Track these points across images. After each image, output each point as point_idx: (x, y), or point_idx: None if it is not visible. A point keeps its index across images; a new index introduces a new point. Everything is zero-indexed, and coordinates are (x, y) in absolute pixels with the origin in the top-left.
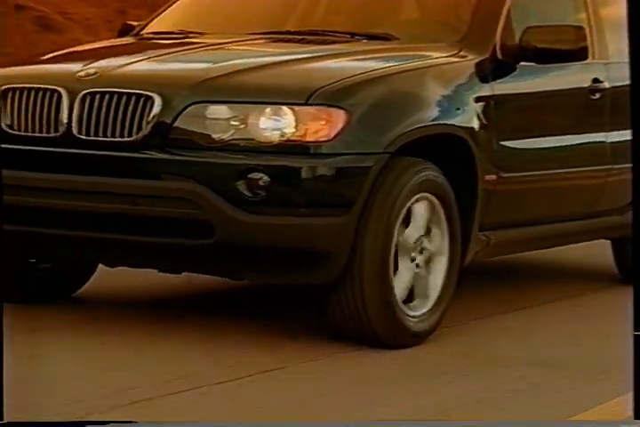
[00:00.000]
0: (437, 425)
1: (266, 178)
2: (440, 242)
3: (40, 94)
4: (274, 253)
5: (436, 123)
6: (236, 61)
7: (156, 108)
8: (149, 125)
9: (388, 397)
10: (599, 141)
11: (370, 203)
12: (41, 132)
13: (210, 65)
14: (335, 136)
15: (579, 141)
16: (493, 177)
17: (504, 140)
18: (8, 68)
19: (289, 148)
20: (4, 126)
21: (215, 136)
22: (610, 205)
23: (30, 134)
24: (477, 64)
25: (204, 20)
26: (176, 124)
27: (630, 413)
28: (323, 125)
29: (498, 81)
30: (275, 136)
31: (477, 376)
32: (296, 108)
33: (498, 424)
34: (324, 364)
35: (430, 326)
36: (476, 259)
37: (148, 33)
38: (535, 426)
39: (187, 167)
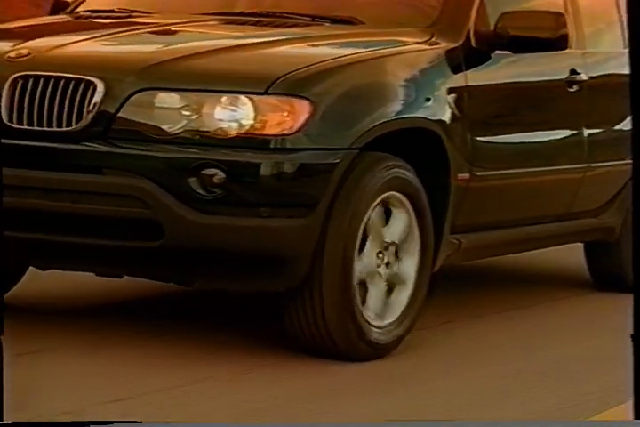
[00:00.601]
0: (437, 425)
1: (221, 174)
2: (409, 247)
3: None
4: (228, 257)
5: (406, 116)
6: (187, 44)
7: (98, 96)
8: (90, 114)
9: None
10: (576, 138)
11: (335, 203)
12: None
13: (158, 48)
14: (298, 129)
15: (555, 137)
16: (466, 175)
17: (478, 134)
18: None
19: (247, 141)
20: None
21: (165, 127)
22: (585, 207)
23: None
24: (450, 52)
25: None
26: (120, 113)
27: (630, 413)
28: (284, 117)
29: (471, 70)
30: (231, 128)
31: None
32: (255, 97)
33: (498, 424)
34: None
35: (396, 337)
36: (446, 263)
37: (85, 11)
38: (535, 426)
39: (133, 161)
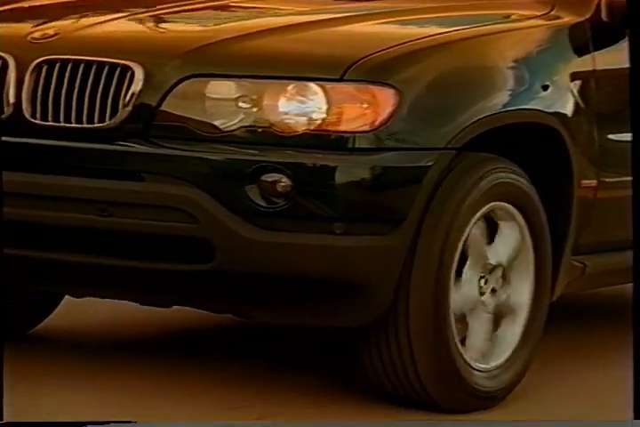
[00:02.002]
0: (437, 425)
1: (285, 181)
2: (521, 270)
3: None
4: (293, 283)
5: (517, 108)
6: (242, 22)
7: (137, 85)
8: (127, 107)
9: None
10: None
11: (426, 217)
12: None
13: (208, 26)
14: (381, 124)
15: None
16: (593, 182)
17: (608, 131)
18: None
19: (318, 140)
20: None
21: (217, 123)
22: None
23: None
24: (574, 28)
25: None
26: (163, 105)
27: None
28: (364, 110)
29: (601, 51)
30: (299, 124)
31: None
32: (328, 85)
33: (498, 424)
34: None
35: (506, 383)
36: (566, 292)
37: None
38: (536, 426)
39: (177, 165)
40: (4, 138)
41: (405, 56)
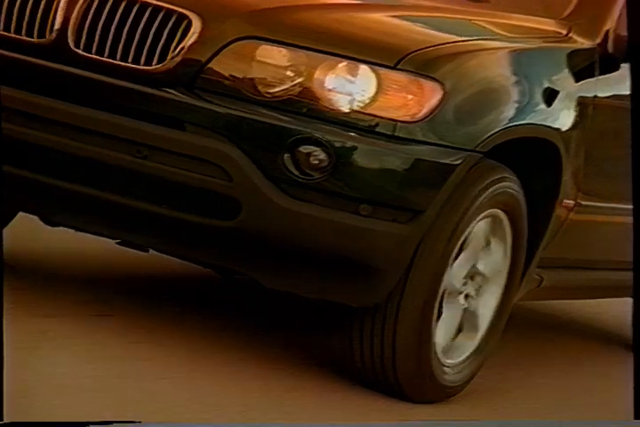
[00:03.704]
0: (437, 425)
1: (321, 155)
2: (497, 273)
3: None
4: (310, 254)
5: (537, 122)
6: None
7: (193, 36)
8: (178, 56)
9: None
10: None
11: (440, 214)
12: (19, 32)
13: None
14: (423, 117)
15: None
16: (571, 202)
17: (595, 157)
18: None
19: (361, 121)
20: None
21: (264, 87)
22: None
23: (1, 32)
24: (586, 52)
25: None
26: (214, 60)
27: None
28: (408, 100)
29: (604, 76)
30: (344, 102)
31: None
32: (381, 70)
33: (498, 424)
34: None
35: (467, 377)
36: (519, 301)
37: None
38: (535, 426)
39: (220, 120)
40: (41, 61)
41: (456, 55)
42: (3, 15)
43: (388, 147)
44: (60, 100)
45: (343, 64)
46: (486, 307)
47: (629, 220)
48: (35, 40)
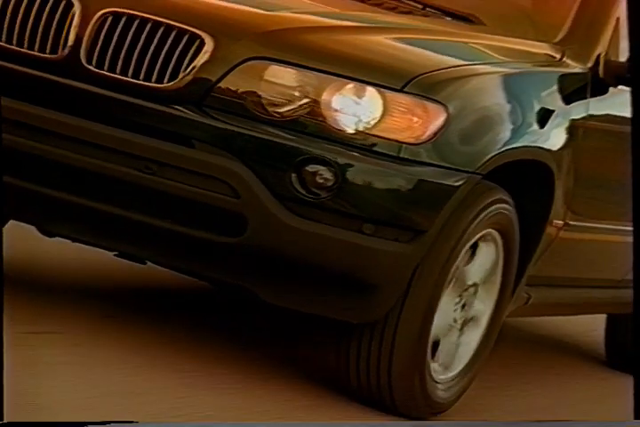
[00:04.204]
0: (437, 425)
1: (327, 174)
2: (488, 288)
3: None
4: (313, 271)
5: (536, 145)
6: (310, 16)
7: (205, 54)
8: (190, 74)
9: None
10: None
11: (440, 234)
12: (31, 48)
13: (280, 10)
14: (427, 139)
15: None
16: (560, 222)
17: (582, 177)
18: None
19: (366, 142)
20: None
21: (273, 107)
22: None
23: (13, 47)
24: (579, 76)
25: None
26: (225, 79)
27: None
28: (414, 122)
29: (595, 99)
30: (350, 123)
31: None
32: (388, 93)
33: (498, 424)
34: None
35: (456, 394)
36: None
37: None
38: (535, 426)
39: (228, 138)
40: (53, 77)
41: (460, 79)
42: (16, 30)
43: (393, 167)
44: (71, 114)
45: (350, 86)
46: (482, 313)
47: (614, 238)
48: (47, 56)
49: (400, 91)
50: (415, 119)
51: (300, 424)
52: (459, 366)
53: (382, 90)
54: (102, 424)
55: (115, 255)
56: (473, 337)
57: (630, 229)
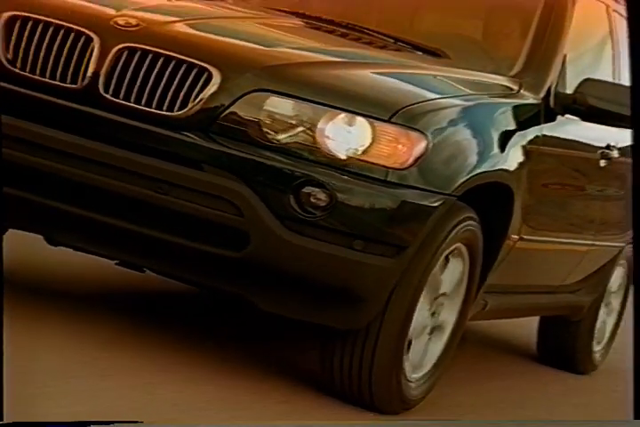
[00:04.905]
0: (437, 425)
1: (321, 196)
2: (455, 296)
3: (62, 33)
4: (308, 282)
5: (499, 168)
6: (303, 52)
7: (213, 86)
8: (198, 104)
9: None
10: (594, 213)
11: (419, 249)
12: (53, 78)
13: (278, 46)
14: (410, 165)
15: (583, 209)
16: (517, 236)
17: (534, 195)
18: None
19: (357, 167)
20: (3, 60)
21: (273, 134)
22: (572, 282)
23: (37, 77)
24: (534, 106)
25: None
26: (230, 109)
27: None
28: (398, 149)
29: (544, 129)
30: (342, 149)
31: None
32: (376, 123)
33: (498, 424)
34: None
35: (425, 392)
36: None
37: None
38: (535, 426)
39: (233, 163)
40: (75, 105)
41: (438, 111)
42: (39, 62)
43: (380, 190)
44: (90, 139)
45: (342, 116)
46: (448, 319)
47: (557, 248)
48: (68, 85)
49: (387, 121)
50: (400, 146)
51: (299, 424)
52: (427, 366)
53: (371, 120)
54: (106, 424)
55: (116, 264)
56: (439, 341)
57: (571, 240)
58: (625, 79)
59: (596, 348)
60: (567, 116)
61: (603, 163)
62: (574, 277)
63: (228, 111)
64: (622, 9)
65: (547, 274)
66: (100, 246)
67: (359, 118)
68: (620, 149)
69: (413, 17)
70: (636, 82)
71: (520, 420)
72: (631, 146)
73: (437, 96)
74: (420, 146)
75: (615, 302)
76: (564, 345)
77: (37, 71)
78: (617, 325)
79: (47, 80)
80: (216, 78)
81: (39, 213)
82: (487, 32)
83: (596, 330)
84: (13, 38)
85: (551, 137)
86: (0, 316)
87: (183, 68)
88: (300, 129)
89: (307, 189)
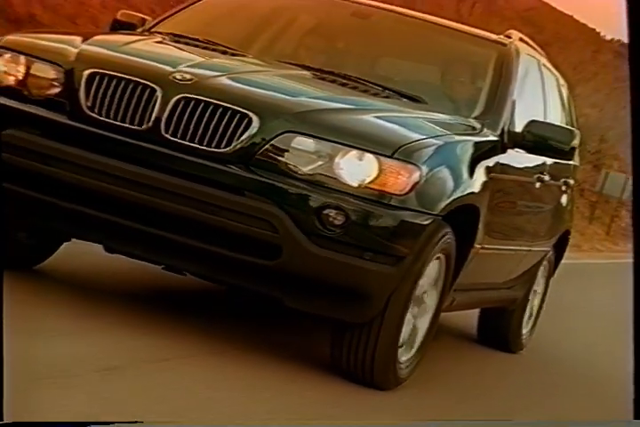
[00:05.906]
0: (437, 425)
1: (339, 216)
2: (434, 295)
3: (131, 86)
4: (327, 285)
5: (471, 192)
6: (319, 101)
7: (253, 129)
8: (241, 143)
9: None
10: (532, 225)
11: (413, 259)
12: (124, 121)
13: (303, 95)
14: (408, 191)
15: (524, 222)
16: (480, 246)
17: (493, 212)
18: (92, 49)
19: (366, 193)
20: (84, 107)
21: (299, 167)
22: (511, 279)
23: (111, 121)
24: (494, 142)
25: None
26: (266, 146)
27: (630, 413)
28: (399, 179)
29: (500, 161)
30: (355, 179)
31: None
32: (382, 158)
33: (498, 424)
34: None
35: (410, 372)
36: None
37: (170, 33)
38: (535, 426)
39: (269, 190)
40: (142, 143)
41: (429, 148)
42: (112, 108)
43: (385, 212)
44: (153, 170)
45: (354, 152)
46: (424, 322)
47: (506, 253)
48: (136, 127)
49: (390, 157)
50: (400, 177)
51: (299, 425)
52: (413, 350)
53: (377, 155)
54: (106, 424)
55: (162, 268)
56: (421, 329)
57: (516, 247)
58: (553, 118)
59: (524, 331)
60: (516, 149)
61: (538, 185)
62: (513, 276)
63: (264, 148)
64: (548, 62)
65: (496, 274)
66: (155, 255)
67: (367, 154)
68: (550, 174)
69: (375, 63)
70: (635, 84)
71: (520, 420)
72: (631, 146)
73: (424, 136)
74: (415, 176)
75: (539, 289)
76: (500, 330)
77: (111, 116)
78: (540, 307)
79: (119, 123)
80: (255, 122)
81: (107, 228)
82: (444, 79)
83: (525, 318)
84: (92, 90)
85: (505, 165)
86: (0, 316)
87: (228, 114)
88: (321, 163)
89: (327, 211)
